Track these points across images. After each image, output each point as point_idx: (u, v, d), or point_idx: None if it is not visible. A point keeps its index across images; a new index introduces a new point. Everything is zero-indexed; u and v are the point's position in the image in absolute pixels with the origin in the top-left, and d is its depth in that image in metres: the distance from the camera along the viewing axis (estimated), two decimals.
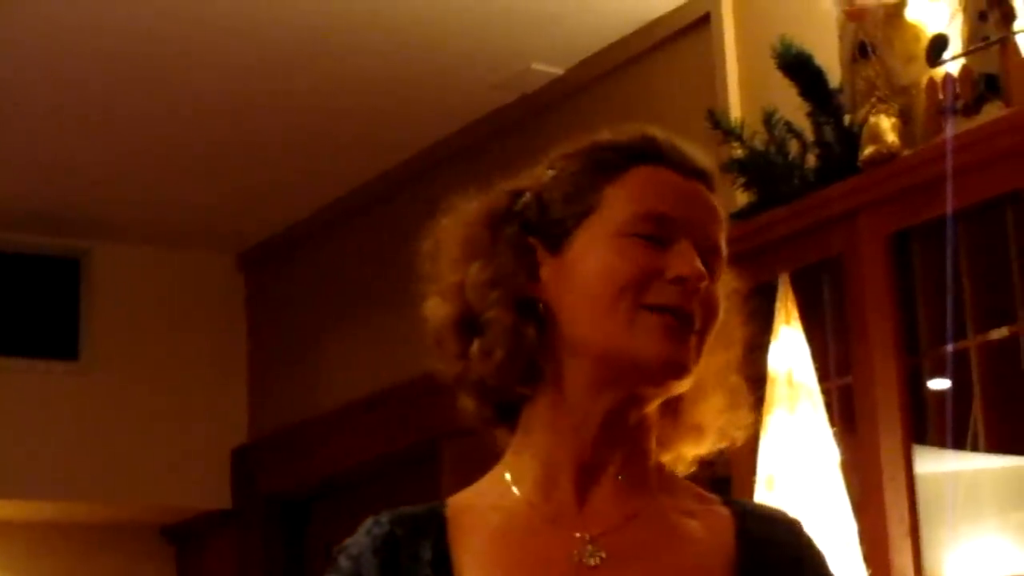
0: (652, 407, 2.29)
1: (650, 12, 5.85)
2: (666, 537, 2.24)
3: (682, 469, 2.38)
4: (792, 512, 2.32)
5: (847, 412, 4.44)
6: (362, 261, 7.18)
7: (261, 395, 8.10)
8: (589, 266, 2.26)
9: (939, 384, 4.39)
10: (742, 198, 4.85)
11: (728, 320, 2.34)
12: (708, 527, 2.24)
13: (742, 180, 4.82)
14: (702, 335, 2.26)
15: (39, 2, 5.62)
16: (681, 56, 5.85)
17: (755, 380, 4.38)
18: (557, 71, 6.15)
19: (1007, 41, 4.26)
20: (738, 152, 4.83)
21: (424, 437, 6.74)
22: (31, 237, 7.68)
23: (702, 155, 2.36)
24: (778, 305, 4.35)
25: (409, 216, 6.86)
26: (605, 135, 2.36)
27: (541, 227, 2.33)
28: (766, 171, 4.75)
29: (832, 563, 2.29)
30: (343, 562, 2.30)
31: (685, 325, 2.23)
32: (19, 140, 6.70)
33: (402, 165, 6.84)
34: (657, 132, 2.35)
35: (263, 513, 7.93)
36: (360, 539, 2.31)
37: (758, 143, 4.80)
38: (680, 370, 2.23)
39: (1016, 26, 4.25)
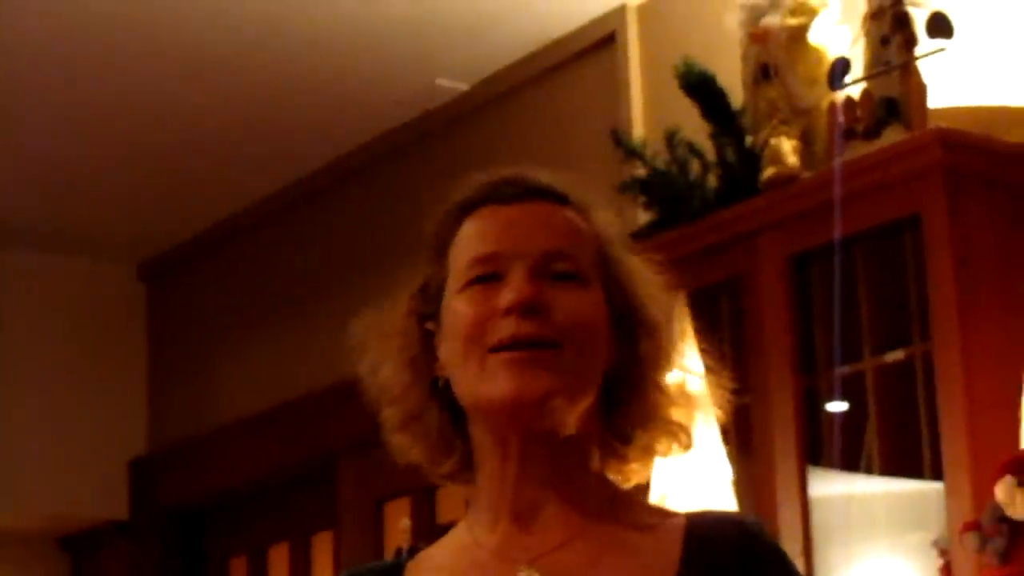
0: (565, 433, 2.20)
1: (556, 30, 5.86)
2: (608, 552, 2.21)
3: (642, 473, 2.33)
4: (758, 520, 2.27)
5: (743, 432, 4.45)
6: (263, 274, 7.15)
7: (160, 406, 8.06)
8: (446, 329, 2.25)
9: (835, 406, 4.40)
10: (643, 217, 4.85)
11: (655, 322, 2.26)
12: (658, 538, 2.20)
13: (643, 199, 4.84)
14: (570, 349, 2.17)
15: None
16: (586, 75, 5.85)
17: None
18: (462, 87, 6.14)
19: (908, 66, 4.29)
20: (640, 171, 4.84)
21: (322, 452, 6.73)
22: None
23: (543, 174, 2.28)
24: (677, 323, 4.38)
25: (309, 230, 6.86)
26: (456, 194, 2.33)
27: (430, 307, 2.31)
28: (667, 190, 4.75)
29: (788, 559, 2.22)
30: None
31: (534, 351, 2.16)
32: None
33: (307, 178, 6.80)
34: (484, 175, 2.30)
35: (160, 525, 7.90)
36: None
37: (660, 163, 4.80)
38: (533, 401, 2.15)
39: (917, 51, 4.28)
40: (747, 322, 4.51)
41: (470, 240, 2.23)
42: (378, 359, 2.31)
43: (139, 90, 6.22)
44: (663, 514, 2.26)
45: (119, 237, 7.74)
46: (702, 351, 2.47)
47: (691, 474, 4.21)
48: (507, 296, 2.16)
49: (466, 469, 2.31)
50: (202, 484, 7.65)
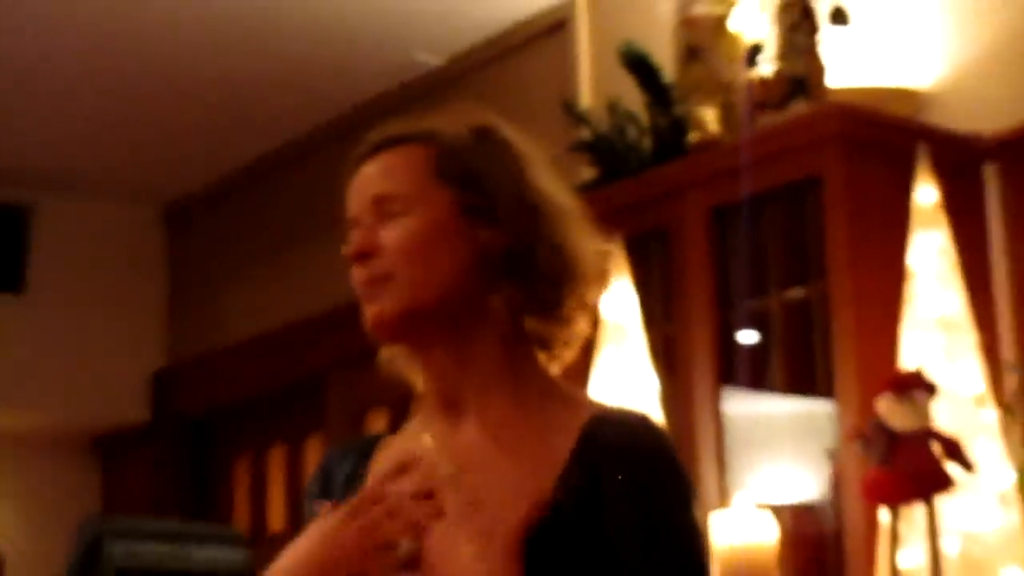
0: (453, 340, 2.16)
1: (517, 15, 5.85)
2: (515, 442, 2.13)
3: (570, 356, 2.22)
4: (650, 418, 2.15)
5: (669, 356, 4.47)
6: (266, 218, 7.11)
7: (178, 327, 8.04)
8: None
9: (745, 335, 4.42)
10: (588, 173, 4.86)
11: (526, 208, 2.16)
12: (560, 432, 2.11)
13: (589, 159, 4.84)
14: (402, 272, 2.12)
15: None
16: (542, 54, 5.84)
17: (591, 325, 4.43)
18: (437, 61, 6.13)
19: (812, 49, 4.31)
20: (586, 135, 4.85)
21: (315, 368, 6.73)
22: None
23: (379, 133, 2.23)
24: (612, 264, 4.38)
25: (305, 183, 6.83)
26: None
27: None
28: (609, 152, 4.77)
29: (680, 472, 2.10)
30: (309, 487, 2.31)
31: (368, 289, 2.15)
32: None
33: (304, 136, 6.74)
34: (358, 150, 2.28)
35: (177, 429, 7.88)
36: (317, 467, 2.33)
37: (603, 128, 4.81)
38: (377, 325, 2.14)
39: (818, 37, 4.30)
40: (673, 264, 4.51)
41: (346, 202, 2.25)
42: None
43: (162, 56, 6.17)
44: (576, 407, 2.15)
45: (144, 184, 7.70)
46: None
47: (623, 386, 4.24)
48: (351, 242, 2.16)
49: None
50: (213, 394, 7.64)
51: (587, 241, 2.16)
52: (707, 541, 2.14)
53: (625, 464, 2.05)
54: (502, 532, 1.99)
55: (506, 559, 1.97)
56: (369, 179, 2.18)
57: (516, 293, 2.12)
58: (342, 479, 2.22)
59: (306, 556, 2.06)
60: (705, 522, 2.17)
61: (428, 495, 2.05)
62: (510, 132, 2.22)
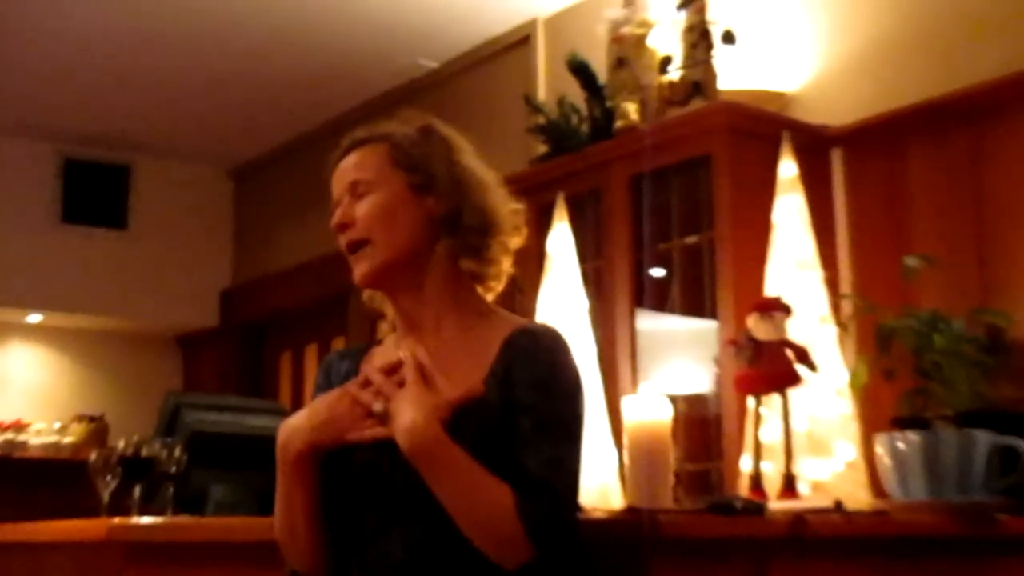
0: (414, 282, 2.25)
1: (492, 32, 5.83)
2: (458, 349, 2.21)
3: (499, 287, 2.34)
4: (555, 330, 2.22)
5: (597, 284, 4.47)
6: (308, 178, 7.05)
7: (241, 258, 8.03)
8: None
9: (654, 271, 4.42)
10: (542, 149, 4.85)
11: (449, 180, 2.27)
12: (490, 342, 2.18)
13: (543, 139, 4.83)
14: (377, 237, 2.22)
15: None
16: (511, 61, 5.82)
17: (540, 259, 4.42)
18: (434, 64, 6.11)
19: (708, 61, 4.29)
20: (541, 121, 4.83)
21: (340, 289, 6.72)
22: (102, 152, 7.58)
23: (350, 137, 2.33)
24: (556, 213, 4.38)
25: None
26: None
27: None
28: (557, 134, 4.75)
29: (568, 367, 2.18)
30: (317, 379, 2.37)
31: (352, 252, 2.23)
32: (92, 88, 6.61)
33: (341, 115, 6.66)
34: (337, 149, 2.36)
35: (238, 331, 7.89)
36: (322, 366, 2.38)
37: (554, 116, 4.80)
38: (362, 280, 2.24)
39: (713, 53, 4.29)
40: (602, 216, 4.50)
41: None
42: None
43: (235, 52, 6.15)
44: (503, 323, 2.23)
45: (217, 149, 7.68)
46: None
47: (562, 305, 4.24)
48: (335, 215, 2.27)
49: None
50: (265, 306, 7.64)
51: (503, 203, 2.29)
52: (582, 417, 2.16)
53: (529, 362, 2.13)
54: (442, 406, 2.07)
55: (435, 423, 2.04)
56: (345, 171, 2.29)
57: (453, 243, 2.24)
58: (342, 375, 2.30)
59: (309, 416, 2.16)
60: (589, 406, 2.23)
61: (394, 369, 2.13)
62: (445, 129, 2.33)
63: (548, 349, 2.17)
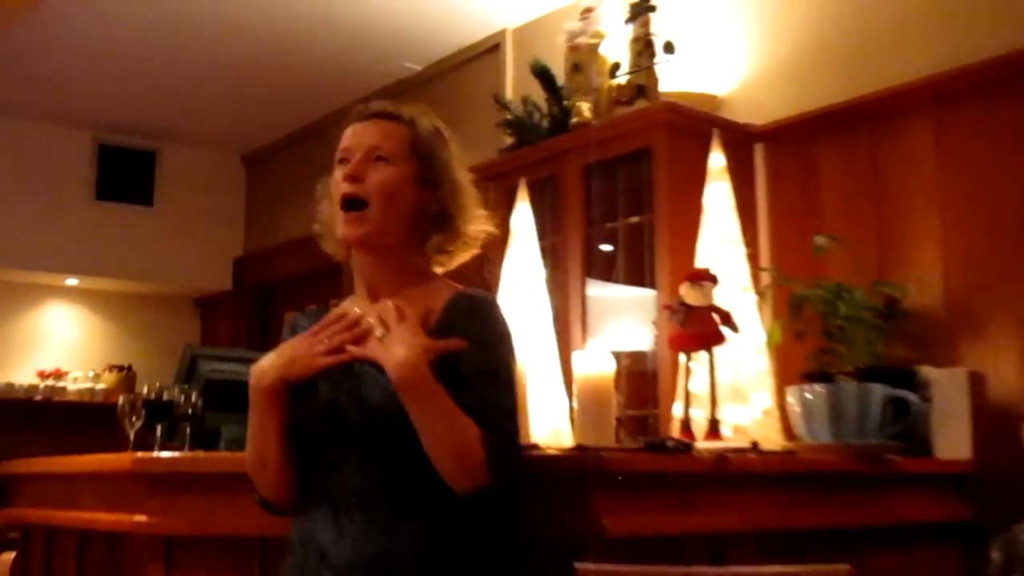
0: (392, 250, 2.23)
1: (468, 39, 5.80)
2: (415, 307, 2.17)
3: (457, 263, 2.35)
4: (489, 295, 2.27)
5: (553, 257, 4.46)
6: (313, 163, 7.06)
7: (252, 232, 7.97)
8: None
9: (604, 246, 4.41)
10: (508, 141, 4.83)
11: (451, 179, 2.27)
12: (437, 305, 2.19)
13: (508, 132, 4.82)
14: (375, 201, 2.18)
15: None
16: (484, 65, 5.79)
17: (505, 235, 4.41)
18: (418, 67, 6.08)
19: (651, 68, 4.29)
20: (509, 117, 4.81)
21: (336, 261, 6.71)
22: (130, 139, 7.52)
23: (387, 106, 2.28)
24: (518, 195, 4.36)
25: (335, 142, 6.75)
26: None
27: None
28: (521, 128, 4.73)
29: (500, 324, 2.21)
30: (283, 336, 2.34)
31: (352, 210, 2.17)
32: (124, 84, 6.55)
33: (339, 109, 6.49)
34: (364, 104, 2.30)
35: (249, 294, 7.84)
36: (288, 325, 2.37)
37: (519, 113, 4.78)
38: (355, 241, 2.20)
39: (655, 61, 4.28)
40: (558, 199, 4.48)
41: (343, 138, 2.26)
42: (322, 198, 2.34)
43: (243, 49, 6.08)
44: (448, 290, 2.23)
45: (231, 137, 7.61)
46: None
47: (522, 275, 4.23)
48: (348, 168, 2.21)
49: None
50: (272, 272, 7.59)
51: (475, 206, 2.29)
52: (515, 367, 2.20)
53: (469, 321, 2.15)
54: (429, 348, 2.06)
55: (423, 360, 2.04)
56: (370, 131, 2.22)
57: (433, 231, 2.25)
58: (304, 330, 2.27)
59: (277, 356, 2.18)
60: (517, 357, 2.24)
61: (357, 322, 2.14)
62: (449, 134, 2.30)
63: (484, 310, 2.19)
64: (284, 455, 2.15)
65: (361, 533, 2.04)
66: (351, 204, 2.17)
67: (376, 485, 2.06)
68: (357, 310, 2.18)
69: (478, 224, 2.30)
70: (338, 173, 2.21)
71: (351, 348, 2.11)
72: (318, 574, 2.05)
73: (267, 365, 2.16)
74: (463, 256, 2.33)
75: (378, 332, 2.07)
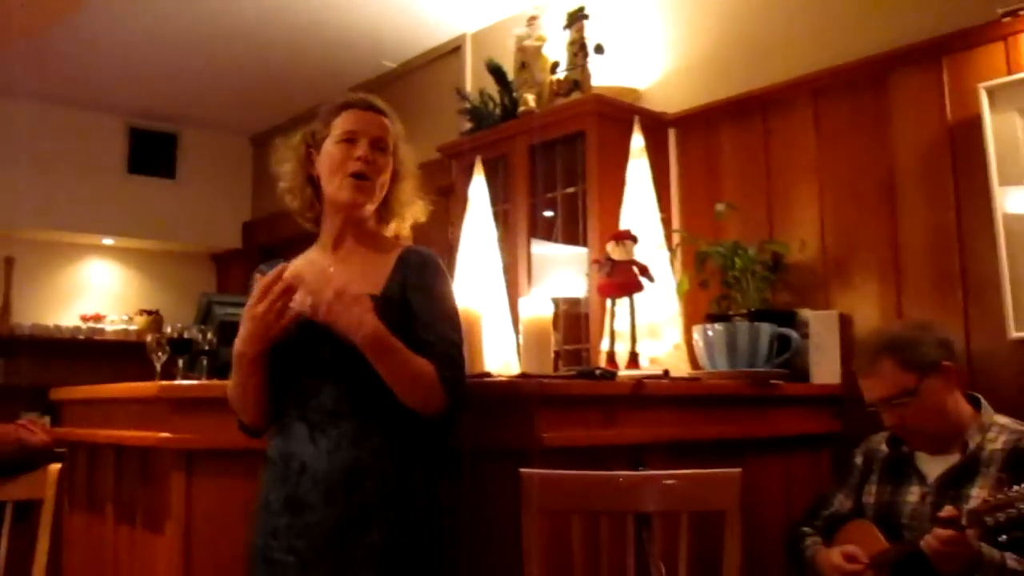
0: (362, 215, 2.28)
1: (435, 41, 5.72)
2: (365, 259, 2.24)
3: (404, 230, 2.39)
4: (431, 251, 2.31)
5: (504, 221, 4.44)
6: None
7: (257, 200, 7.86)
8: (326, 157, 2.27)
9: (547, 212, 4.40)
10: (467, 126, 4.79)
11: (409, 169, 2.35)
12: (389, 259, 2.24)
13: (467, 118, 4.78)
14: (374, 181, 2.25)
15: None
16: (447, 64, 5.71)
17: (463, 203, 4.39)
18: (394, 64, 6.00)
19: (584, 65, 4.26)
20: (467, 106, 4.77)
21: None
22: (156, 123, 7.37)
23: (378, 102, 2.32)
24: (475, 170, 4.33)
25: None
26: (337, 99, 2.34)
27: (313, 143, 2.33)
28: (477, 115, 4.69)
29: (445, 275, 2.27)
30: (251, 280, 2.31)
31: (363, 180, 2.23)
32: (151, 77, 6.43)
33: (328, 98, 6.49)
34: (357, 94, 2.33)
35: (256, 251, 7.73)
36: (255, 274, 2.33)
37: (476, 103, 4.74)
38: (359, 204, 2.24)
39: (588, 60, 4.25)
40: (508, 174, 4.45)
41: (346, 119, 2.30)
42: (284, 160, 2.35)
43: (250, 48, 5.98)
44: (398, 247, 2.29)
45: (241, 121, 7.47)
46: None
47: (477, 236, 4.20)
48: (360, 151, 2.24)
49: (317, 223, 2.36)
50: (275, 234, 7.46)
51: (416, 187, 2.36)
52: (458, 309, 2.25)
53: (419, 272, 2.22)
54: (368, 303, 2.08)
55: (375, 317, 2.06)
56: (374, 123, 2.28)
57: (392, 207, 2.33)
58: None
59: (242, 335, 2.15)
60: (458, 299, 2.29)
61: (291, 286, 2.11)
62: (403, 132, 2.36)
63: (431, 264, 2.25)
64: (262, 398, 2.18)
65: (334, 447, 2.08)
66: (361, 177, 2.22)
67: (346, 407, 2.10)
68: (331, 269, 2.20)
69: (418, 206, 2.37)
70: (345, 149, 2.23)
71: (296, 305, 2.09)
72: (299, 482, 2.10)
73: (239, 344, 2.15)
74: (404, 226, 2.38)
75: (329, 293, 2.05)
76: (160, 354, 3.20)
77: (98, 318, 7.36)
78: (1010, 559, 2.24)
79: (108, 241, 7.52)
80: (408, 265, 2.22)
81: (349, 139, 2.24)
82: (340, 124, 2.27)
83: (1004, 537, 2.13)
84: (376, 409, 2.09)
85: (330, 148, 2.27)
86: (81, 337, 7.18)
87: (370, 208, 2.27)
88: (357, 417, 2.09)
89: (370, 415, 2.09)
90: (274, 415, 2.21)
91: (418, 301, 2.16)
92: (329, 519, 2.05)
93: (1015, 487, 2.12)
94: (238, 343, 2.15)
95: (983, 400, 2.59)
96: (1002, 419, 2.54)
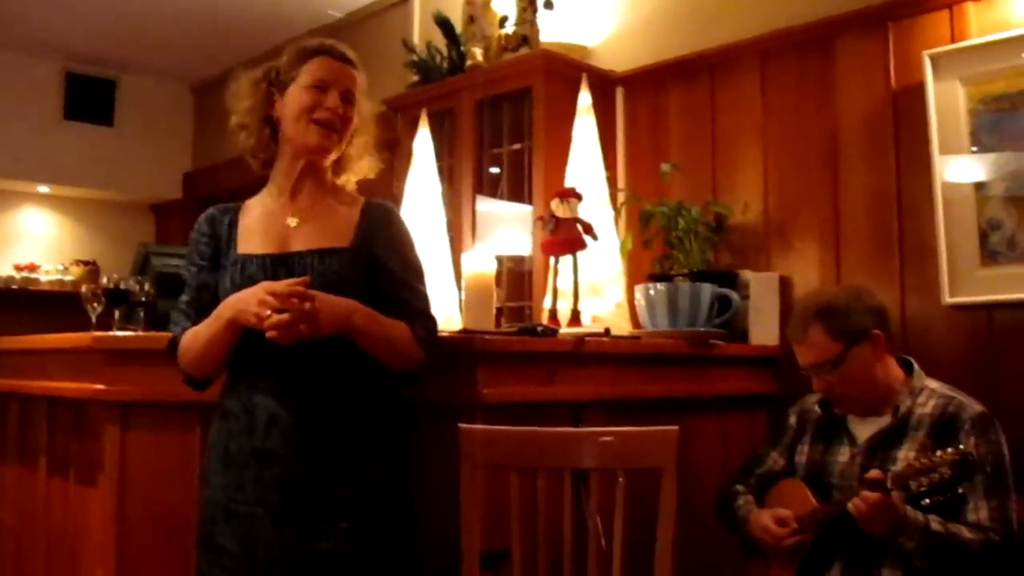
0: (322, 164, 2.28)
1: None
2: (329, 211, 2.25)
3: (351, 184, 2.39)
4: (391, 204, 2.35)
5: (450, 177, 4.42)
6: None
7: (199, 149, 7.73)
8: (291, 101, 2.24)
9: (493, 169, 4.39)
10: (414, 79, 4.74)
11: (367, 124, 2.34)
12: (352, 210, 2.27)
13: (414, 71, 4.73)
14: (342, 133, 2.26)
15: None
16: (395, 15, 5.64)
17: (408, 157, 4.36)
18: (340, 15, 5.91)
19: (533, 21, 4.23)
20: (415, 59, 4.73)
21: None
22: (94, 68, 7.19)
23: (350, 52, 2.30)
24: (420, 124, 4.30)
25: None
26: (308, 41, 2.30)
27: (276, 83, 2.30)
28: (424, 68, 4.65)
29: (406, 229, 2.31)
30: (199, 224, 2.33)
31: (330, 129, 2.22)
32: (89, 19, 6.27)
33: (276, 47, 6.23)
34: (328, 41, 2.30)
35: (195, 203, 7.61)
36: (203, 216, 2.34)
37: (423, 56, 4.69)
38: (326, 149, 2.24)
39: (537, 15, 4.23)
40: (455, 129, 4.42)
41: (319, 66, 2.28)
42: (243, 97, 2.32)
43: None
44: (359, 201, 2.30)
45: (182, 68, 7.33)
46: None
47: (421, 190, 4.17)
48: (331, 100, 2.23)
49: (269, 165, 2.34)
50: (215, 185, 7.35)
51: (370, 143, 2.36)
52: (420, 257, 2.32)
53: (384, 225, 2.26)
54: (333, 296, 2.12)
55: (350, 301, 2.12)
56: (345, 74, 2.26)
57: (344, 153, 2.33)
58: (225, 227, 2.29)
59: (238, 298, 2.13)
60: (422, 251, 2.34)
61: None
62: (367, 85, 2.34)
63: (396, 217, 2.30)
64: (229, 353, 2.16)
65: (302, 400, 2.11)
66: (328, 127, 2.22)
67: (313, 362, 2.12)
68: (287, 219, 2.20)
69: (367, 161, 2.37)
70: (314, 95, 2.22)
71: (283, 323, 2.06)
72: (268, 433, 2.11)
73: (233, 301, 2.12)
74: (352, 180, 2.38)
75: (307, 305, 2.05)
76: (96, 305, 3.16)
77: (32, 268, 7.22)
78: (933, 521, 2.29)
79: (43, 189, 7.36)
80: (373, 219, 2.24)
81: (320, 86, 2.22)
82: (311, 70, 2.24)
83: (927, 501, 2.20)
84: (343, 362, 2.13)
85: (297, 93, 2.24)
86: (15, 287, 7.06)
87: (332, 157, 2.28)
88: (325, 372, 2.12)
89: (337, 368, 2.13)
90: (233, 368, 2.19)
91: (387, 257, 2.20)
92: (299, 471, 2.07)
93: (939, 452, 2.17)
94: (233, 311, 2.11)
95: (915, 364, 2.64)
96: (933, 383, 2.59)
